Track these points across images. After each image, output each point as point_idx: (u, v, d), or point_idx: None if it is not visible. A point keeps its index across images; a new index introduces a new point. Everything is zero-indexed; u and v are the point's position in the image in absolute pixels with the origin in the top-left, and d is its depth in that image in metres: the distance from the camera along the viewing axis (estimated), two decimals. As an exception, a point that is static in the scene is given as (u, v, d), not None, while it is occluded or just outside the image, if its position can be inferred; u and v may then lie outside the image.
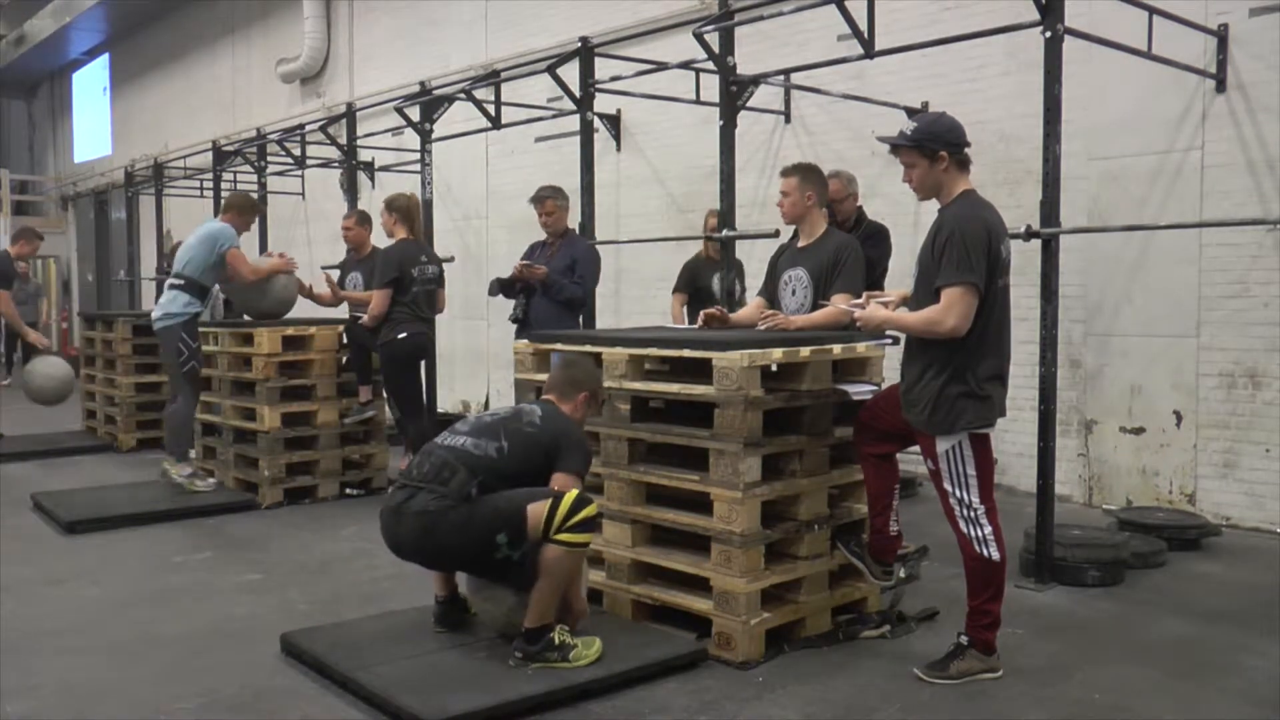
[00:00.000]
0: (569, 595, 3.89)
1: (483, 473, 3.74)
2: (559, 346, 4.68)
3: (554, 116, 8.40)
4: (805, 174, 4.79)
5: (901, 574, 4.22)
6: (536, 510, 3.65)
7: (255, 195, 9.03)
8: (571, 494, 3.69)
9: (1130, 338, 6.57)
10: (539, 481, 3.78)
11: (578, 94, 7.04)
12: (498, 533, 3.66)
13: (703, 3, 8.69)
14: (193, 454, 7.55)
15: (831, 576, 4.24)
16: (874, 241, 5.85)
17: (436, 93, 9.01)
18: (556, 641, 3.72)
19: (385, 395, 7.08)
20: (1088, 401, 6.77)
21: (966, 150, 3.77)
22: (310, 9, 13.62)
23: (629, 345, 4.31)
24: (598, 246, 6.78)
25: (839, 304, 4.41)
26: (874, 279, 5.37)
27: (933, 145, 3.70)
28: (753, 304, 5.06)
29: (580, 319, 6.59)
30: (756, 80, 6.68)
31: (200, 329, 7.52)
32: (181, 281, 6.80)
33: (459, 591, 4.14)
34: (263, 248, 11.96)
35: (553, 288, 6.26)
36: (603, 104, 8.18)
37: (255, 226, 12.03)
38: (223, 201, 7.44)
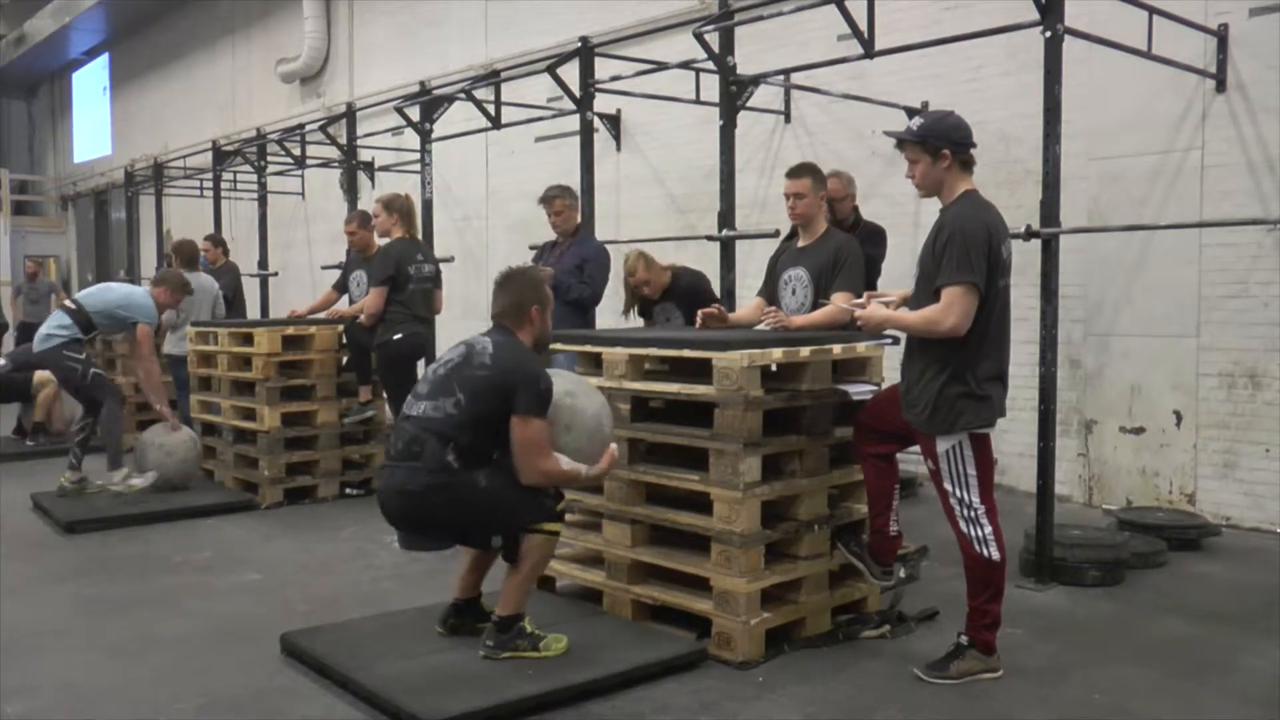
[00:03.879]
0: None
1: (450, 433, 3.71)
2: (557, 346, 4.68)
3: (554, 116, 8.41)
4: (816, 175, 4.83)
5: (901, 574, 4.21)
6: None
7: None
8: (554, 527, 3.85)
9: (1130, 338, 6.57)
10: (502, 424, 3.70)
11: (578, 94, 7.04)
12: (495, 535, 3.81)
13: (703, 3, 8.69)
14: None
15: (831, 576, 4.24)
16: (873, 241, 5.89)
17: (436, 93, 9.01)
18: (528, 630, 3.78)
19: (385, 395, 7.08)
20: (1088, 401, 6.77)
21: (972, 151, 3.78)
22: (310, 9, 13.63)
23: (629, 345, 4.32)
24: (601, 246, 6.76)
25: (839, 303, 4.41)
26: (871, 279, 5.39)
27: (936, 142, 3.70)
28: (752, 304, 5.07)
29: (590, 319, 6.56)
30: (756, 80, 6.68)
31: (200, 329, 7.55)
32: (75, 307, 6.84)
33: (479, 601, 4.09)
34: (263, 248, 11.99)
35: (560, 288, 6.24)
36: (603, 104, 8.18)
37: (255, 228, 12.15)
38: (157, 273, 7.34)
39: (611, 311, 8.94)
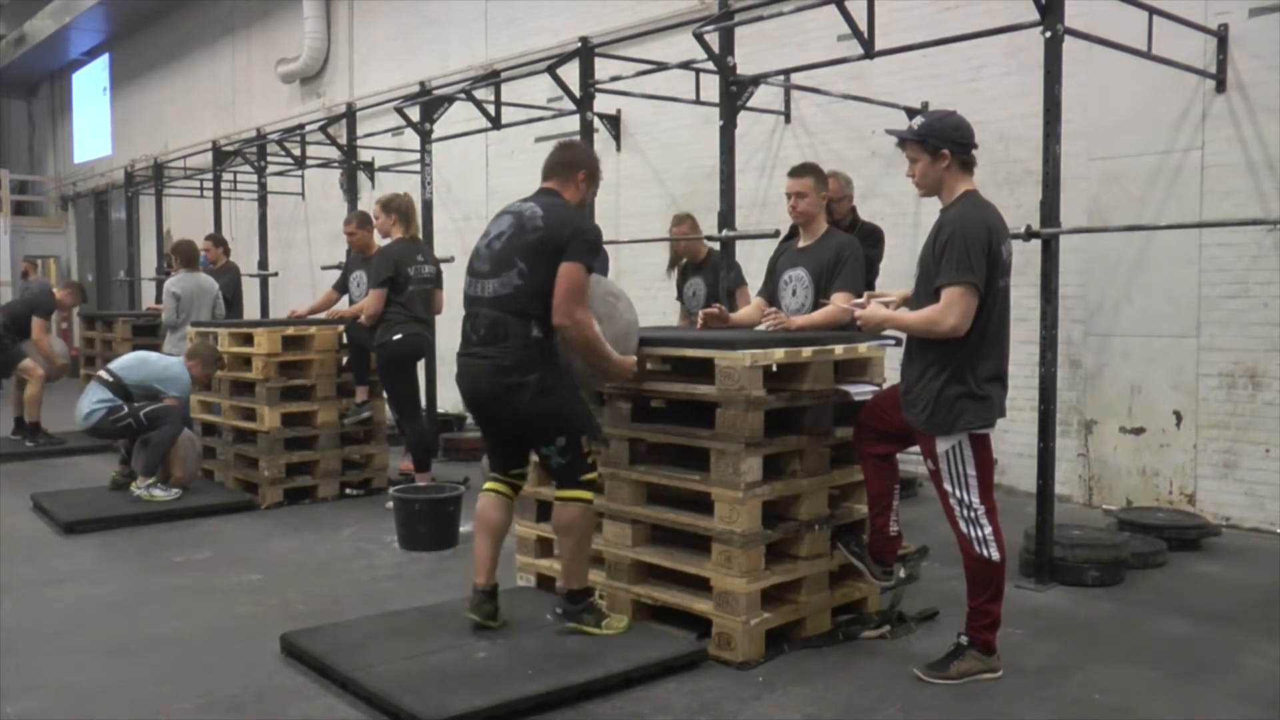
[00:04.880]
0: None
1: (527, 308, 3.83)
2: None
3: (554, 116, 8.41)
4: (818, 174, 4.84)
5: (901, 574, 4.22)
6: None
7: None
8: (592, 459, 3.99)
9: (1130, 338, 6.57)
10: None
11: (578, 94, 7.04)
12: (559, 435, 3.90)
13: (703, 3, 8.69)
14: None
15: (831, 576, 4.24)
16: (871, 241, 5.92)
17: (436, 93, 9.01)
18: (596, 605, 3.91)
19: (384, 396, 7.08)
20: (1088, 401, 6.77)
21: (973, 152, 3.78)
22: (310, 9, 13.62)
23: (629, 345, 4.31)
24: (598, 247, 6.77)
25: (839, 303, 4.41)
26: (868, 279, 5.43)
27: (936, 142, 3.70)
28: (753, 304, 5.07)
29: None
30: (756, 80, 6.68)
31: (200, 329, 7.55)
32: (112, 380, 6.77)
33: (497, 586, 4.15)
34: (263, 248, 11.98)
35: None
36: (603, 104, 8.18)
37: (255, 228, 12.15)
38: (191, 345, 7.24)
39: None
